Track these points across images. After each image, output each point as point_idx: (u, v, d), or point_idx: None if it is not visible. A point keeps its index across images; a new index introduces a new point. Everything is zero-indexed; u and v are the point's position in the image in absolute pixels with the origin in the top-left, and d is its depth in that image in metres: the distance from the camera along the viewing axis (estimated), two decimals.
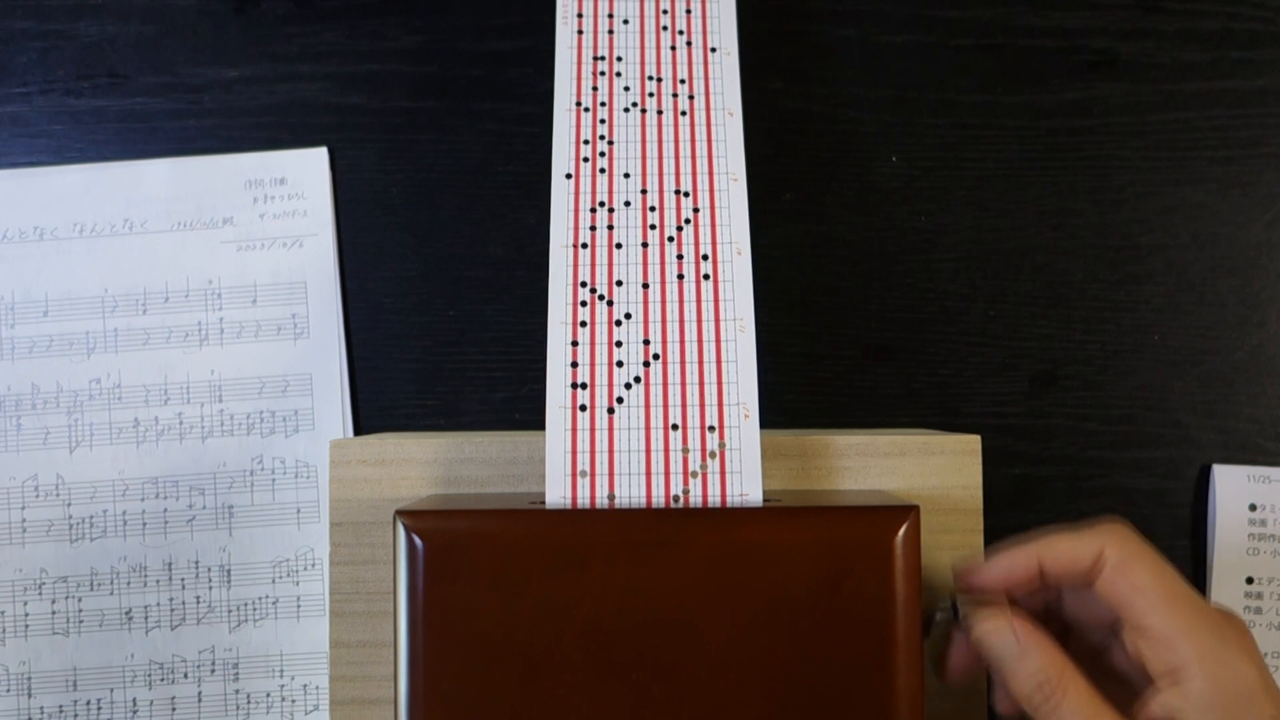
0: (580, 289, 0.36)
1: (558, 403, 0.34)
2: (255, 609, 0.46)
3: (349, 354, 0.47)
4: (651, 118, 0.39)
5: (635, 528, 0.32)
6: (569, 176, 0.38)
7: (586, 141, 0.39)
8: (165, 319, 0.47)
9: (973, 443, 0.38)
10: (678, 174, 0.38)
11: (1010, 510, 0.47)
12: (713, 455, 0.34)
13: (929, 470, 0.38)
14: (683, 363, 0.35)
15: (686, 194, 0.38)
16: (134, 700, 0.45)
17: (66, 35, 0.49)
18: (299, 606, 0.46)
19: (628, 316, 0.36)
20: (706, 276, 0.36)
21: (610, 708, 0.31)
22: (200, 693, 0.45)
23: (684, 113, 0.40)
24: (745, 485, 0.34)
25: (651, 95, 0.40)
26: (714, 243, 0.37)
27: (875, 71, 0.49)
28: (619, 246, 0.37)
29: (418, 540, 0.31)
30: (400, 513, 0.32)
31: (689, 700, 0.31)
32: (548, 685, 0.31)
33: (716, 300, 0.36)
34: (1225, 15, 0.49)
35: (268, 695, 0.45)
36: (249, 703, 0.45)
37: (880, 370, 0.48)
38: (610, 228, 0.37)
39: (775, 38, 0.49)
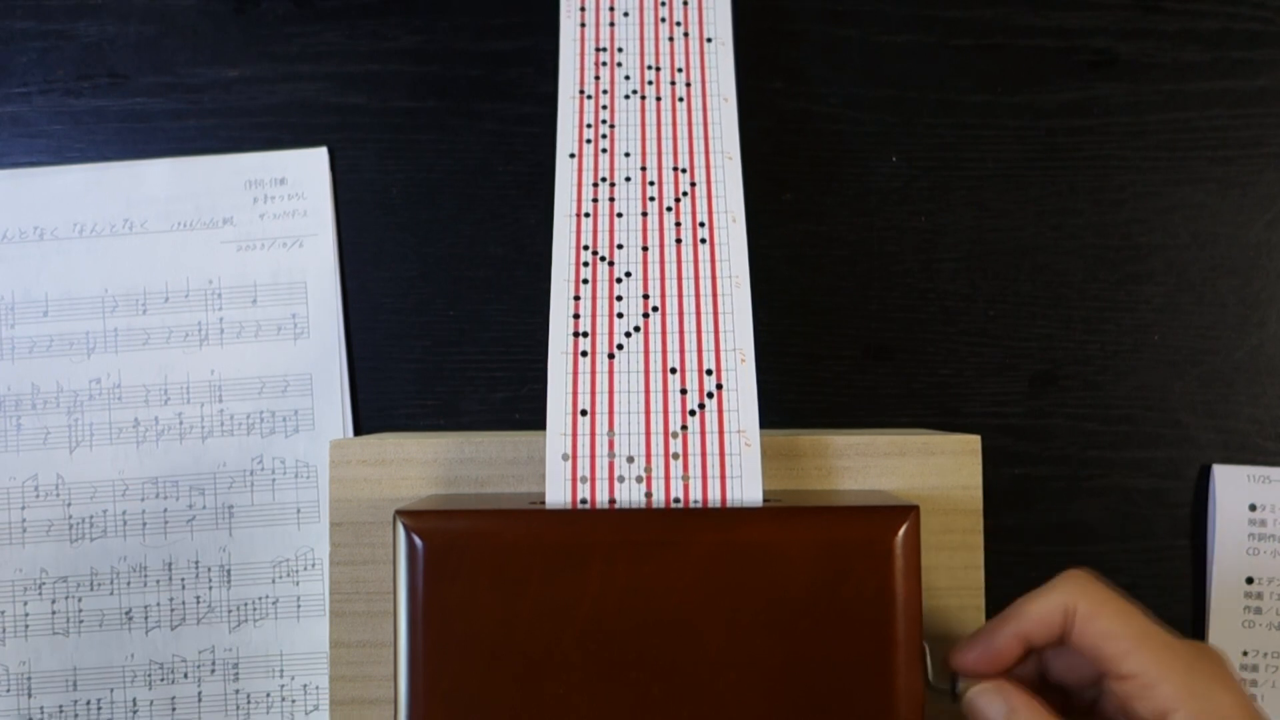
0: (583, 251, 0.38)
1: (559, 349, 0.36)
2: (255, 609, 0.46)
3: (349, 354, 0.47)
4: (651, 104, 0.41)
5: (635, 528, 0.32)
6: (572, 156, 0.40)
7: (589, 125, 0.41)
8: (165, 319, 0.47)
9: (973, 443, 0.38)
10: (675, 153, 0.40)
11: (1010, 510, 0.47)
12: (710, 395, 0.35)
13: (929, 470, 0.38)
14: (681, 314, 0.36)
15: (684, 170, 0.39)
16: (134, 700, 0.45)
17: (66, 35, 0.49)
18: (299, 606, 0.46)
19: (628, 274, 0.37)
20: (703, 240, 0.38)
21: (610, 708, 0.31)
22: (200, 693, 0.45)
23: (681, 99, 0.41)
24: (743, 422, 0.34)
25: (651, 83, 0.42)
26: (710, 212, 0.38)
27: (875, 71, 0.49)
28: (620, 215, 0.38)
29: (418, 540, 0.31)
30: (400, 513, 0.32)
31: (689, 700, 0.31)
32: (548, 685, 0.31)
33: (713, 260, 0.37)
34: (1225, 15, 0.49)
35: (268, 695, 0.45)
36: (249, 703, 0.45)
37: (880, 370, 0.48)
38: (611, 200, 0.39)
39: (775, 38, 0.49)
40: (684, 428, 0.34)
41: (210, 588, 0.46)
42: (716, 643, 0.31)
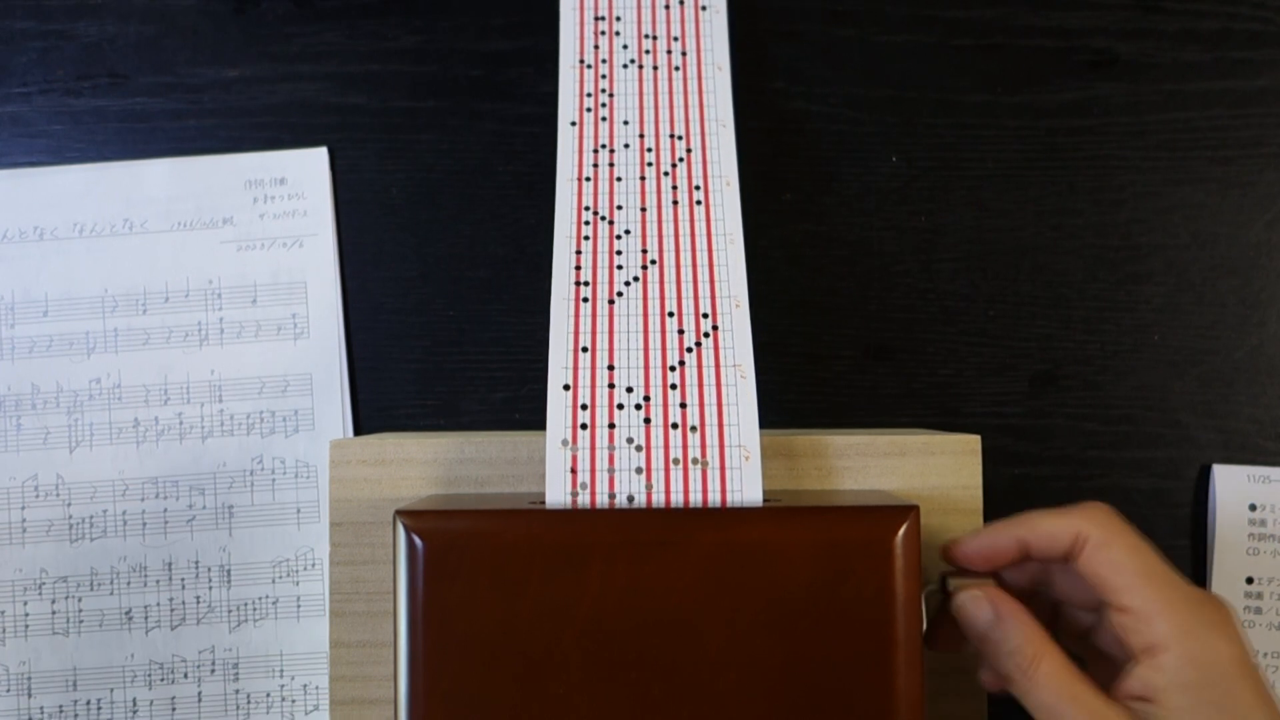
0: (584, 212, 0.39)
1: (562, 296, 0.37)
2: (255, 609, 0.46)
3: (349, 354, 0.47)
4: (648, 73, 0.43)
5: (635, 528, 0.32)
6: (573, 124, 0.42)
7: (589, 94, 0.42)
8: (165, 319, 0.47)
9: (973, 443, 0.38)
10: (672, 120, 0.42)
11: (1010, 510, 0.46)
12: (707, 335, 0.36)
13: (929, 470, 0.38)
14: (678, 266, 0.38)
15: (680, 137, 0.41)
16: (134, 700, 0.45)
17: (66, 35, 0.49)
18: (299, 606, 0.46)
19: (627, 232, 0.39)
20: (699, 202, 0.40)
21: (610, 708, 0.31)
22: (200, 693, 0.45)
23: (677, 68, 0.43)
24: (739, 358, 0.36)
25: (648, 52, 0.43)
26: (705, 176, 0.40)
27: (875, 71, 0.49)
28: (619, 180, 0.40)
29: (418, 540, 0.31)
30: (400, 513, 0.32)
31: (689, 700, 0.31)
32: (548, 685, 0.31)
33: (708, 220, 0.39)
34: (1225, 15, 0.49)
35: (268, 695, 0.45)
36: (249, 703, 0.45)
37: (880, 370, 0.48)
38: (611, 165, 0.41)
39: (775, 38, 0.49)
40: (681, 362, 0.36)
41: (210, 588, 0.46)
42: (716, 643, 0.31)
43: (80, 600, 0.46)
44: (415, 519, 0.32)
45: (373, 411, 0.47)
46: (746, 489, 0.34)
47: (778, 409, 0.47)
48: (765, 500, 0.34)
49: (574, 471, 0.34)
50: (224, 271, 0.48)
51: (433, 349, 0.48)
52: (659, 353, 0.36)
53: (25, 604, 0.46)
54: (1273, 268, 0.48)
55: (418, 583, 0.31)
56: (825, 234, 0.48)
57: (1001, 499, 0.46)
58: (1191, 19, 0.49)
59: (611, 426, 0.34)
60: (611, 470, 0.34)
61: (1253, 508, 0.46)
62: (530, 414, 0.47)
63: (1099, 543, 0.31)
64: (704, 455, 0.34)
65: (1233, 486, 0.46)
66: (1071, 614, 0.35)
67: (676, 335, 0.36)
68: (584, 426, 0.34)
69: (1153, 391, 0.47)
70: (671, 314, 0.37)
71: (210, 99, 0.49)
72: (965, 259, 0.48)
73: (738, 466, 0.34)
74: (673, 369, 0.36)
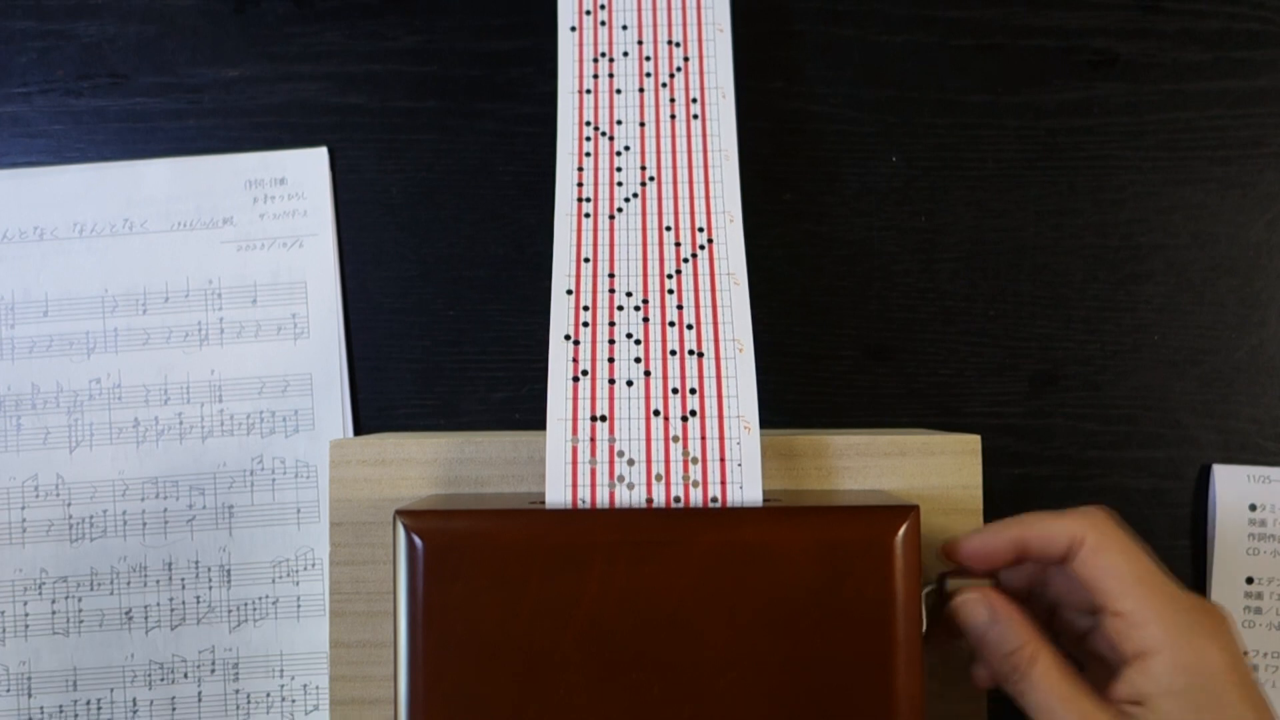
0: (585, 127, 0.41)
1: (565, 211, 0.39)
2: (255, 609, 0.46)
3: (349, 354, 0.47)
4: None
5: (635, 528, 0.32)
6: (573, 29, 0.43)
7: None
8: (165, 319, 0.47)
9: (973, 443, 0.38)
10: (670, 24, 0.43)
11: (1010, 510, 0.46)
12: (702, 248, 0.38)
13: (929, 470, 0.38)
14: (675, 183, 0.40)
15: (678, 44, 0.43)
16: (134, 700, 0.45)
17: (66, 35, 0.49)
18: (299, 606, 0.46)
19: (626, 148, 0.41)
20: (696, 116, 0.41)
21: (610, 707, 0.31)
22: (200, 693, 0.45)
23: None
24: (732, 267, 0.38)
25: None
26: (702, 88, 0.42)
27: (875, 71, 0.49)
28: (619, 92, 0.42)
29: (418, 540, 0.31)
30: (400, 513, 0.32)
31: (689, 700, 0.31)
32: (548, 685, 0.31)
33: (705, 135, 0.41)
34: (1225, 15, 0.49)
35: (268, 695, 0.45)
36: (249, 703, 0.45)
37: (880, 370, 0.48)
38: (611, 75, 0.42)
39: (775, 38, 0.49)
40: (678, 271, 0.38)
41: (210, 588, 0.46)
42: (716, 643, 0.31)
43: (80, 600, 0.46)
44: (415, 519, 0.32)
45: (373, 411, 0.47)
46: (741, 377, 0.35)
47: (778, 409, 0.47)
48: (765, 500, 0.34)
49: (575, 360, 0.35)
50: (224, 271, 0.48)
51: (433, 349, 0.48)
52: (657, 263, 0.38)
53: (25, 604, 0.46)
54: (1273, 268, 0.48)
55: (418, 583, 0.31)
56: (825, 234, 0.48)
57: (1001, 499, 0.46)
58: (1191, 19, 0.49)
59: (611, 324, 0.36)
60: (611, 360, 0.36)
61: (1253, 508, 0.46)
62: (530, 414, 0.47)
63: (1095, 546, 0.31)
64: (699, 347, 0.36)
65: (1233, 486, 0.46)
66: (1068, 616, 0.35)
67: (674, 247, 0.38)
68: (585, 325, 0.36)
69: (1153, 391, 0.47)
70: (669, 227, 0.39)
71: (210, 99, 0.49)
72: (965, 259, 0.48)
73: (732, 357, 0.36)
74: (670, 276, 0.38)
